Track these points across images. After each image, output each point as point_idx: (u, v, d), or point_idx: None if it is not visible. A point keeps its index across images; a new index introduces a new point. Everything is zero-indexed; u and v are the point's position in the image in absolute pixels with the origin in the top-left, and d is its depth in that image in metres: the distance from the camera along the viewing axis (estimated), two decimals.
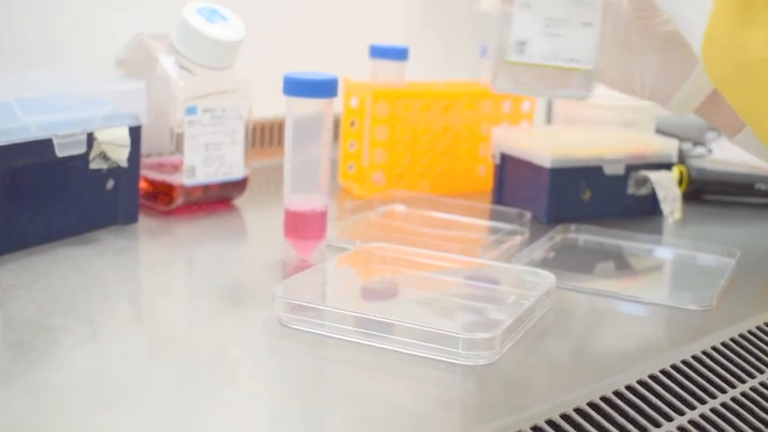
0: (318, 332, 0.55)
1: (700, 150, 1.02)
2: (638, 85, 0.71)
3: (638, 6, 0.68)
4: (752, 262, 0.74)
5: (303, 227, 0.69)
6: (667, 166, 0.87)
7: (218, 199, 0.82)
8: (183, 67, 0.78)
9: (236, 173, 0.81)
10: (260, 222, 0.83)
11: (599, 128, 0.96)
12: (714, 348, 0.59)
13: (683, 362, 0.56)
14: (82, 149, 0.69)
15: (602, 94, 0.79)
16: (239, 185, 0.83)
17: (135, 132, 0.73)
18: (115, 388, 0.48)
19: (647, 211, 0.86)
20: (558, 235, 0.78)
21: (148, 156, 0.79)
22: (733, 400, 0.55)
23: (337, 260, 0.67)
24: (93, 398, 0.47)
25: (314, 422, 0.47)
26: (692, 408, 0.53)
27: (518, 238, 0.77)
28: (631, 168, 0.85)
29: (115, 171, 0.72)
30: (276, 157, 0.99)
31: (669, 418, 0.51)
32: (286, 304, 0.57)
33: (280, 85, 0.67)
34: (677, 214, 0.85)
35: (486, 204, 0.88)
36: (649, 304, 0.64)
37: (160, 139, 0.79)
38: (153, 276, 0.69)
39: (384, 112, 0.89)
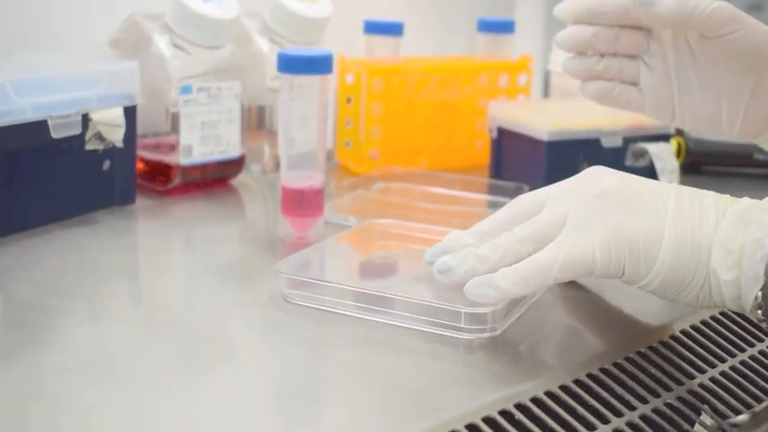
0: (321, 308, 0.56)
1: None
2: (725, 119, 0.61)
3: (711, 26, 0.57)
4: None
5: (301, 204, 0.69)
6: (665, 138, 0.87)
7: (215, 178, 0.82)
8: (177, 47, 0.78)
9: (233, 151, 0.81)
10: (258, 201, 0.83)
11: None
12: (713, 318, 0.59)
13: (683, 332, 0.56)
14: (77, 130, 0.69)
15: None
16: (236, 164, 0.82)
17: (130, 112, 0.73)
18: (116, 368, 0.48)
19: None
20: None
21: (145, 136, 0.79)
22: (732, 368, 0.55)
23: (338, 237, 0.67)
24: (94, 378, 0.47)
25: (316, 398, 0.47)
26: (692, 377, 0.53)
27: None
28: (629, 140, 0.85)
29: (111, 152, 0.72)
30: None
31: (669, 389, 0.51)
32: (289, 280, 0.57)
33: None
34: None
35: (484, 179, 0.88)
36: None
37: (156, 120, 0.79)
38: (152, 256, 0.69)
39: (380, 88, 0.89)
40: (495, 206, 0.79)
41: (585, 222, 0.50)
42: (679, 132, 0.93)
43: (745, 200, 0.51)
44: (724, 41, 0.57)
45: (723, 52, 0.58)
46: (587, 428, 0.47)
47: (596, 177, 0.52)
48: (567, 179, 0.55)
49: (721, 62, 0.59)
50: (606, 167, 0.54)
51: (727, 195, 0.51)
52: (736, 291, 0.48)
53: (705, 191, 0.52)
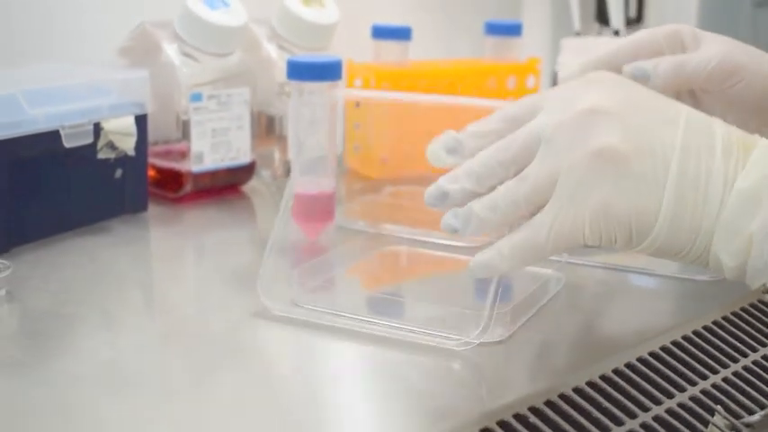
0: (332, 312, 0.56)
1: None
2: None
3: (712, 83, 0.57)
4: None
5: (311, 209, 0.69)
6: None
7: (226, 185, 0.82)
8: (186, 54, 0.78)
9: (244, 158, 0.82)
10: (268, 206, 0.83)
11: None
12: (725, 318, 0.59)
13: (695, 333, 0.56)
14: (89, 140, 0.69)
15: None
16: (247, 170, 0.83)
17: (141, 121, 0.73)
18: (130, 375, 0.49)
19: None
20: None
21: (155, 143, 0.80)
22: (745, 368, 0.55)
23: (349, 241, 0.67)
24: (108, 386, 0.47)
25: (329, 403, 0.47)
26: (705, 378, 0.53)
27: None
28: None
29: (123, 160, 0.73)
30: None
31: (682, 389, 0.51)
32: (300, 286, 0.57)
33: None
34: None
35: None
36: (660, 276, 0.64)
37: (167, 127, 0.79)
38: (165, 264, 0.69)
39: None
40: None
41: (576, 193, 0.48)
42: None
43: (761, 152, 0.48)
44: (726, 93, 0.57)
45: (725, 100, 0.58)
46: (601, 430, 0.47)
47: (596, 120, 0.48)
48: (568, 88, 0.51)
49: (724, 107, 0.58)
50: (613, 75, 0.52)
51: (740, 134, 0.48)
52: (739, 274, 0.48)
53: (716, 132, 0.48)
